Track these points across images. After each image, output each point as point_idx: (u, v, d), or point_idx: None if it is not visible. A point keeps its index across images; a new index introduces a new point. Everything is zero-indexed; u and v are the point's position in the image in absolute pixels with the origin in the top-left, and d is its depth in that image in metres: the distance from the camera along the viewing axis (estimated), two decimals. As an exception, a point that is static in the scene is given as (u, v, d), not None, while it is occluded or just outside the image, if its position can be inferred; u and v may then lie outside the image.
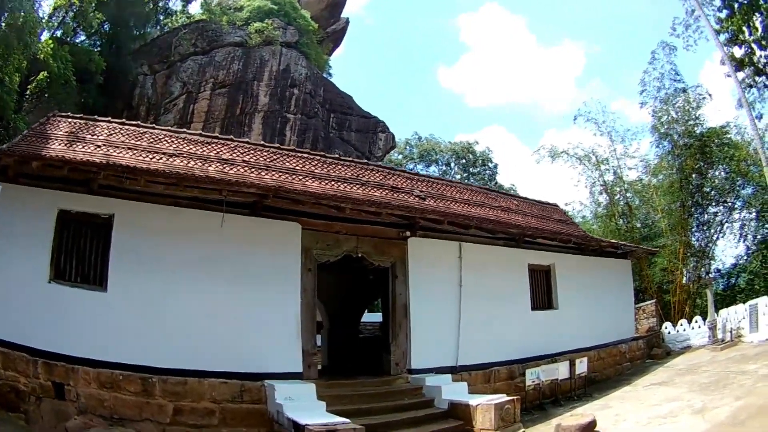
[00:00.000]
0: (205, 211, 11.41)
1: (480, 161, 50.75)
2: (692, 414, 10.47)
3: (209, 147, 13.84)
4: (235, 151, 14.15)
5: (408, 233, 13.47)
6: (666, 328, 22.28)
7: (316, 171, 14.63)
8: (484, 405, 10.65)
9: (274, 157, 14.65)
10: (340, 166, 15.45)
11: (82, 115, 13.55)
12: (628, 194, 31.07)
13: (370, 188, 14.76)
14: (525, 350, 15.11)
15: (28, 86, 24.77)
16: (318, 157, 15.64)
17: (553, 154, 32.02)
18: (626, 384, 15.53)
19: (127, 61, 29.90)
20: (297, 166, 14.54)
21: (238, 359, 11.01)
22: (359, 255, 12.69)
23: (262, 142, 18.76)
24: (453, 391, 11.80)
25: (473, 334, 13.93)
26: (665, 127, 28.15)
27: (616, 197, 31.22)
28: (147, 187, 10.71)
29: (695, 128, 27.45)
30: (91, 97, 26.15)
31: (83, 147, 11.81)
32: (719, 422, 9.61)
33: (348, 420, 9.25)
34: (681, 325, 21.74)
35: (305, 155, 15.53)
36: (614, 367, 17.73)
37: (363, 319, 19.87)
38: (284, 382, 10.86)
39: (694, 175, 27.36)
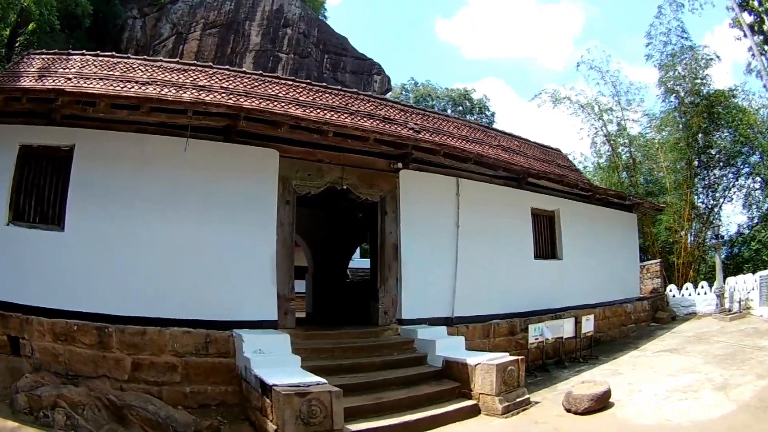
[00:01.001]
0: (171, 137, 9.52)
1: (477, 109, 48.03)
2: (714, 390, 8.83)
3: (185, 74, 12.20)
4: (213, 78, 12.45)
5: (400, 165, 11.38)
6: (671, 291, 20.69)
7: (300, 98, 12.61)
8: (485, 365, 8.78)
9: (255, 84, 12.77)
10: (327, 95, 13.35)
11: (56, 50, 12.60)
12: (631, 148, 29.17)
13: (359, 118, 12.62)
14: (527, 303, 13.30)
15: (17, 39, 24.39)
16: (303, 85, 13.61)
17: (555, 99, 29.84)
18: (633, 348, 13.91)
19: (116, 5, 29.08)
20: (280, 92, 12.60)
21: (204, 306, 9.25)
22: (344, 187, 10.64)
23: (244, 69, 16.60)
24: (448, 346, 9.91)
25: (471, 281, 12.01)
26: (671, 82, 26.38)
27: (619, 149, 29.42)
28: (110, 113, 9.09)
29: (702, 88, 25.57)
30: (79, 42, 25.31)
31: (53, 81, 10.69)
32: (745, 403, 8.05)
33: (324, 380, 7.34)
34: (686, 289, 20.20)
35: (289, 82, 13.56)
36: (619, 328, 16.04)
37: (355, 266, 17.96)
38: (255, 331, 9.03)
39: (700, 135, 25.71)
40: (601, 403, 8.42)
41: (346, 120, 11.83)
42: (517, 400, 8.81)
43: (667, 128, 27.42)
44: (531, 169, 13.50)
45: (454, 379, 9.11)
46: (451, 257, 11.82)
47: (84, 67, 11.20)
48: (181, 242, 9.33)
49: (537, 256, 14.14)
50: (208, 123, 9.57)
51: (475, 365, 8.85)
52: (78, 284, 8.73)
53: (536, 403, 9.18)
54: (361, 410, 7.70)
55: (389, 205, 11.11)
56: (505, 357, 9.27)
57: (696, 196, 26.79)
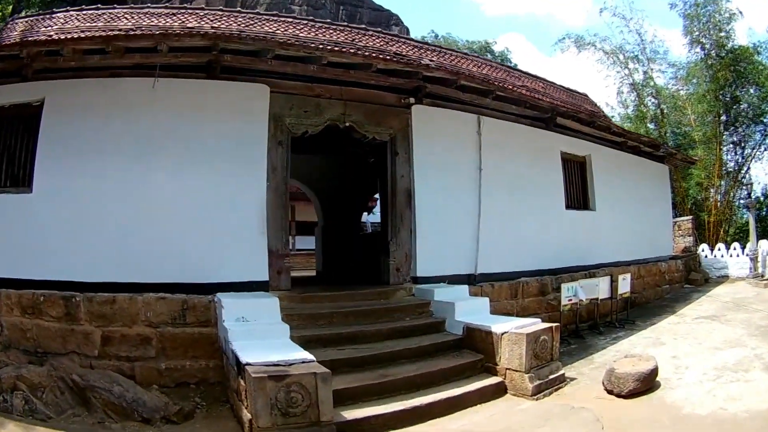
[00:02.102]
0: (145, 78, 7.74)
1: (499, 60, 44.81)
2: (765, 371, 7.10)
3: (173, 18, 10.37)
4: (204, 19, 10.52)
5: (412, 100, 9.36)
6: (703, 250, 18.58)
7: (300, 35, 10.45)
8: (513, 334, 6.96)
9: (250, 22, 10.71)
10: (331, 31, 11.16)
11: (39, 11, 11.90)
12: (659, 98, 26.67)
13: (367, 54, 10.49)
14: (558, 259, 11.39)
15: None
16: (304, 22, 11.47)
17: (579, 43, 27.26)
18: (670, 312, 12.06)
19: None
20: (278, 30, 10.44)
21: (183, 267, 7.64)
22: (347, 124, 8.71)
23: (238, 9, 14.58)
24: (470, 309, 8.03)
25: (497, 233, 10.08)
26: (696, 32, 23.86)
27: (646, 100, 27.02)
28: (82, 61, 7.60)
29: (726, 41, 23.26)
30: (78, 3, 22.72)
31: (35, 41, 9.02)
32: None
33: (311, 357, 5.65)
34: (719, 249, 18.05)
35: (289, 19, 11.42)
36: (653, 288, 14.14)
37: (377, 219, 16.08)
38: (239, 295, 7.32)
39: (727, 88, 23.38)
40: (648, 383, 6.67)
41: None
42: (551, 377, 7.03)
43: (693, 80, 25.06)
44: (560, 107, 11.30)
45: (477, 349, 7.30)
46: (473, 205, 9.88)
47: (66, 22, 9.59)
48: (157, 195, 7.69)
49: (568, 206, 12.12)
50: (188, 60, 7.84)
51: (502, 334, 7.03)
52: (46, 250, 7.41)
53: (571, 380, 7.39)
54: (360, 391, 5.97)
55: (400, 145, 9.16)
56: (536, 324, 7.43)
57: (725, 154, 24.62)
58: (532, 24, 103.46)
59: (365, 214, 17.50)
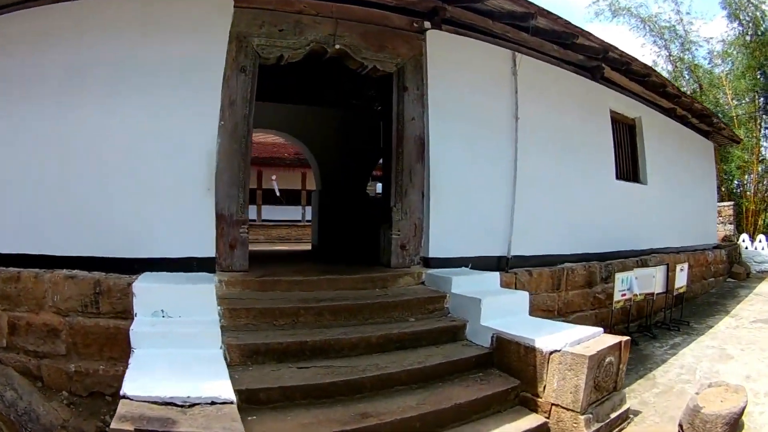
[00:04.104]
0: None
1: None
2: None
3: None
4: None
5: (427, 24, 6.40)
6: (743, 241, 15.84)
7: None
8: (569, 354, 4.21)
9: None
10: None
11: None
12: (697, 73, 23.15)
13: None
14: (606, 240, 8.47)
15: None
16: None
17: (613, 8, 23.52)
18: (723, 312, 9.34)
19: None
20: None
21: (104, 235, 5.09)
22: (338, 47, 5.84)
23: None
24: (502, 308, 5.22)
25: (535, 203, 7.20)
26: (734, 5, 20.80)
27: (684, 73, 23.55)
28: None
29: (762, 20, 20.41)
30: None
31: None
32: None
33: (228, 391, 3.11)
34: (760, 241, 15.54)
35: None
36: (700, 281, 11.19)
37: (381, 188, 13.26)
38: (161, 278, 4.75)
39: (766, 67, 20.58)
40: (737, 425, 4.20)
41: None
42: (612, 415, 4.40)
43: (731, 56, 22.13)
44: (613, 49, 8.00)
45: (511, 370, 4.54)
46: (506, 164, 6.94)
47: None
48: (77, 140, 5.15)
49: (619, 176, 9.14)
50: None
51: (550, 353, 4.29)
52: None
53: (634, 414, 4.77)
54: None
55: (410, 78, 6.24)
56: (598, 338, 4.68)
57: (763, 140, 21.79)
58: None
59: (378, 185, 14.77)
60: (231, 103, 5.33)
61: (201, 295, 4.38)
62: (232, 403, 2.99)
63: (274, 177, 20.86)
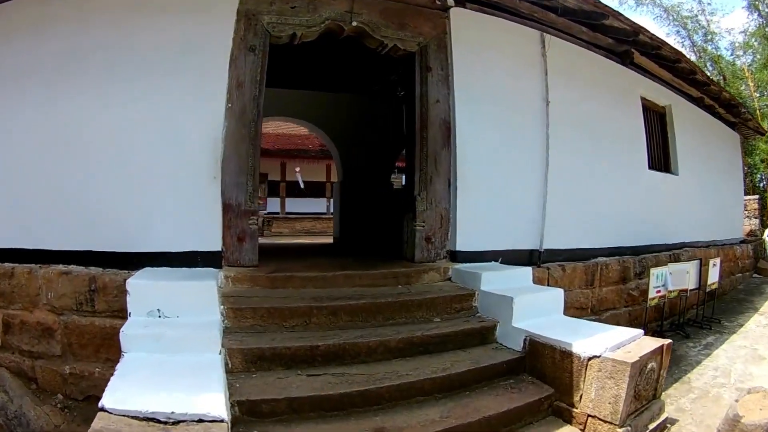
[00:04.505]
0: None
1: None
2: None
3: None
4: None
5: (451, 1, 5.80)
6: (767, 235, 14.65)
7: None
8: (609, 361, 3.67)
9: None
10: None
11: None
12: (720, 64, 22.36)
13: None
14: (638, 233, 7.92)
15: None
16: None
17: (637, -2, 22.64)
18: (753, 310, 8.84)
19: None
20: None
21: (102, 228, 4.72)
22: (355, 25, 5.32)
23: None
24: (536, 306, 4.67)
25: (568, 193, 6.62)
26: None
27: (707, 64, 22.45)
28: None
29: None
30: None
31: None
32: None
33: (219, 407, 2.63)
34: None
35: None
36: (728, 277, 10.44)
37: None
38: (159, 274, 4.35)
39: None
40: None
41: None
42: (651, 426, 3.86)
43: (752, 47, 21.41)
44: (643, 32, 7.20)
45: (545, 377, 4.02)
46: (538, 151, 6.34)
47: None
48: (72, 129, 4.76)
49: (651, 166, 8.46)
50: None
51: (589, 359, 3.76)
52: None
53: (671, 423, 4.23)
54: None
55: (434, 58, 5.68)
56: (637, 339, 4.15)
57: None
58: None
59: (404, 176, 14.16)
60: (239, 85, 4.87)
61: (201, 293, 3.94)
62: (222, 421, 2.53)
63: (297, 169, 20.47)
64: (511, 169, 6.09)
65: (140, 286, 3.87)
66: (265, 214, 20.97)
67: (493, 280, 5.02)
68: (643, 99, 8.38)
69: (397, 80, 7.46)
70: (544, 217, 6.27)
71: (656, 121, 9.09)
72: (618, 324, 5.78)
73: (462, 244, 5.74)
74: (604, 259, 7.03)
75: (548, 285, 5.91)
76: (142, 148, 4.69)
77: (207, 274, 4.32)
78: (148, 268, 4.50)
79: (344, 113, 9.42)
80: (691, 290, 7.59)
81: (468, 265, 5.51)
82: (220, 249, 4.72)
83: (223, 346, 3.59)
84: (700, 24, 22.57)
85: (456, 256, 5.70)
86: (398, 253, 5.96)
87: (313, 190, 21.43)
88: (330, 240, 11.05)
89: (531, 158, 6.27)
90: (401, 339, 4.00)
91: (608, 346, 3.82)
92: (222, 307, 4.00)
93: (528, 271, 5.52)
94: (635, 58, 7.88)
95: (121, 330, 3.48)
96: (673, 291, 7.07)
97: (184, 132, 4.71)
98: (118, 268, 4.51)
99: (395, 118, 8.57)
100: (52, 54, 4.77)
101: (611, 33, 7.09)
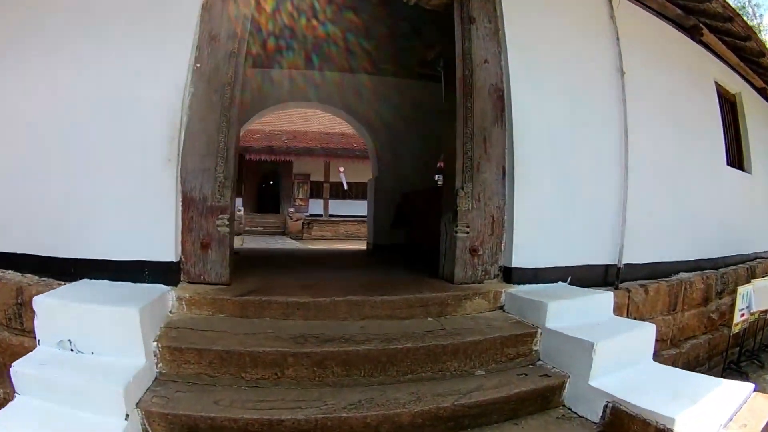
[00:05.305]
0: None
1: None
2: None
3: None
4: None
5: None
6: None
7: None
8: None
9: None
10: None
11: None
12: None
13: None
14: (714, 242, 6.28)
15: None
16: None
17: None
18: None
19: None
20: None
21: (40, 224, 3.58)
22: None
23: None
24: (619, 354, 3.13)
25: (645, 192, 4.93)
26: None
27: None
28: None
29: None
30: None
31: None
32: None
33: None
34: None
35: None
36: None
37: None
38: (93, 292, 3.13)
39: None
40: None
41: None
42: None
43: None
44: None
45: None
46: (614, 133, 4.70)
47: None
48: (19, 102, 3.63)
49: (729, 162, 6.83)
50: None
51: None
52: None
53: None
54: None
55: (478, 7, 4.16)
56: (749, 398, 2.82)
57: None
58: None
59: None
60: (212, 39, 3.60)
61: (122, 324, 2.69)
62: None
63: (341, 169, 19.37)
64: (584, 156, 4.52)
65: (50, 306, 2.79)
66: (306, 216, 20.05)
67: (563, 312, 3.50)
68: (716, 83, 6.72)
69: (439, 54, 6.02)
70: (624, 220, 4.66)
71: (728, 111, 7.39)
72: (698, 357, 4.77)
73: (520, 258, 4.20)
74: (687, 275, 5.47)
75: (628, 313, 4.45)
76: (89, 127, 3.50)
77: (146, 295, 3.04)
78: (85, 281, 3.38)
79: (380, 97, 8.06)
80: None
81: (528, 288, 4.00)
82: (175, 259, 3.44)
83: (139, 406, 2.36)
84: (745, 13, 21.15)
85: (511, 275, 4.17)
86: (434, 268, 4.52)
87: (358, 191, 20.21)
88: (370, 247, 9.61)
89: (606, 142, 4.67)
90: (420, 412, 2.57)
91: (721, 419, 2.54)
92: (156, 344, 2.73)
93: (608, 298, 3.95)
94: (703, 36, 6.26)
95: (17, 369, 2.34)
96: (755, 313, 5.57)
97: (134, 101, 3.47)
98: (56, 278, 3.43)
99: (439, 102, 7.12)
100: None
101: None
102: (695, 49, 6.27)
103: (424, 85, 7.74)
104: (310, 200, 21.41)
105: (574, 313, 3.56)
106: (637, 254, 4.86)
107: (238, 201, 21.28)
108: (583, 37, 4.74)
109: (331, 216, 19.74)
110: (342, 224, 18.86)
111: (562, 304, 3.57)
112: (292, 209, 21.45)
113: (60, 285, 3.30)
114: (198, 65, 3.55)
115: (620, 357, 3.17)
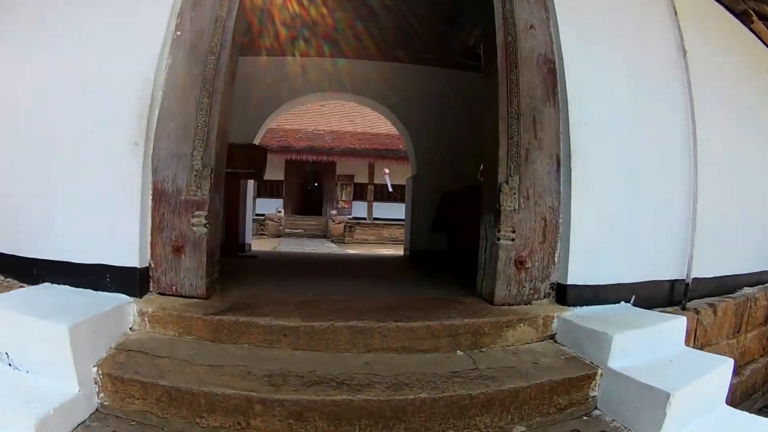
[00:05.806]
0: None
1: None
2: None
3: None
4: None
5: None
6: None
7: None
8: None
9: None
10: None
11: None
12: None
13: None
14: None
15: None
16: None
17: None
18: None
19: None
20: None
21: (7, 223, 3.15)
22: None
23: None
24: (695, 400, 2.35)
25: (713, 193, 3.93)
26: None
27: None
28: None
29: None
30: None
31: None
32: None
33: None
34: None
35: None
36: None
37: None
38: (41, 301, 2.58)
39: None
40: None
41: None
42: None
43: None
44: None
45: None
46: (679, 120, 3.77)
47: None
48: None
49: None
50: None
51: None
52: None
53: None
54: None
55: None
56: None
57: None
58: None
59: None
60: (195, 3, 3.00)
61: (50, 342, 2.14)
62: None
63: (386, 170, 18.76)
64: (646, 145, 3.63)
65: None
66: (349, 218, 19.55)
67: (630, 346, 2.69)
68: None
69: (480, 38, 5.28)
70: (694, 226, 3.76)
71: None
72: (755, 384, 4.26)
73: (577, 273, 3.36)
74: (750, 290, 4.56)
75: (695, 339, 3.59)
76: (58, 109, 2.99)
77: (98, 307, 2.46)
78: (46, 285, 2.91)
79: (418, 89, 7.40)
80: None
81: (586, 312, 3.18)
82: (141, 265, 2.83)
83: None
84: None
85: (565, 295, 3.33)
86: (472, 284, 3.74)
87: (403, 194, 19.58)
88: (407, 253, 8.87)
89: (671, 130, 3.78)
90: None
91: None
92: (96, 370, 2.13)
93: (680, 325, 3.08)
94: (753, 23, 5.23)
95: None
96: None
97: (105, 74, 2.92)
98: (20, 280, 3.04)
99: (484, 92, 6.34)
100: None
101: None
102: (748, 37, 5.25)
103: (467, 75, 7.02)
104: (354, 202, 20.91)
105: (642, 347, 2.73)
106: (704, 266, 3.94)
107: (279, 202, 21.12)
108: (641, 3, 3.89)
109: (375, 219, 19.22)
110: (386, 228, 18.27)
111: (629, 336, 2.74)
112: (334, 211, 21.03)
113: (21, 287, 2.91)
114: (179, 33, 2.96)
115: (695, 404, 2.38)
